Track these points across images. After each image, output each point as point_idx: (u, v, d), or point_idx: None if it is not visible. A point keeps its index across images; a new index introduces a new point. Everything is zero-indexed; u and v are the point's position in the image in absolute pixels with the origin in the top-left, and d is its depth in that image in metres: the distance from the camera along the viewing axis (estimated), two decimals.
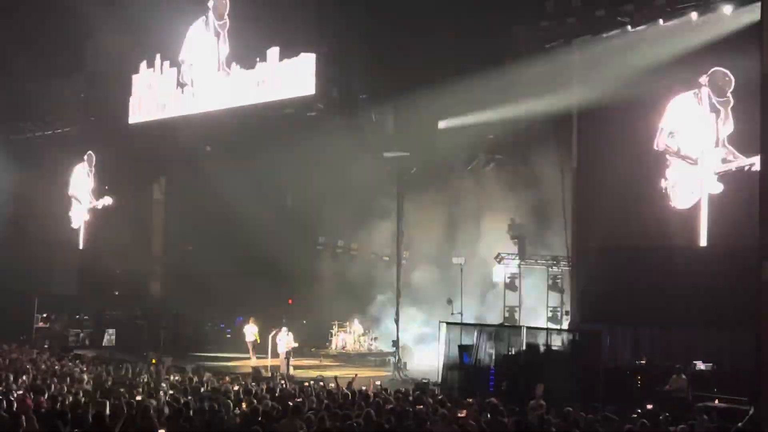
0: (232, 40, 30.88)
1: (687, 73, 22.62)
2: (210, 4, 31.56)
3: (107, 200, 39.66)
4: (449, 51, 25.71)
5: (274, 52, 28.99)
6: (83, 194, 41.07)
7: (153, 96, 33.72)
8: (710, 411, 17.60)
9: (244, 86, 30.27)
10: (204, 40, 31.92)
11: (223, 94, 31.14)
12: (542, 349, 22.18)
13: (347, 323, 32.93)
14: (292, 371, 26.23)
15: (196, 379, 20.87)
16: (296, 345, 28.41)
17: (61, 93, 39.33)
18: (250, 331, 31.20)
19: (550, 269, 27.19)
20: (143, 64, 33.85)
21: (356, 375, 20.93)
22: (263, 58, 29.35)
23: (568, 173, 25.55)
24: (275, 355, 27.64)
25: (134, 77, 34.28)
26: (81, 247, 40.91)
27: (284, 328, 28.04)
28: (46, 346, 32.92)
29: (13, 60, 36.73)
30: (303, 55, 28.05)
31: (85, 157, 41.03)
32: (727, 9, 21.44)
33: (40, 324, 35.97)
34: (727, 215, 21.94)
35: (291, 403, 14.46)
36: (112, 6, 32.89)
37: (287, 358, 27.13)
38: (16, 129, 41.83)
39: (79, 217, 41.29)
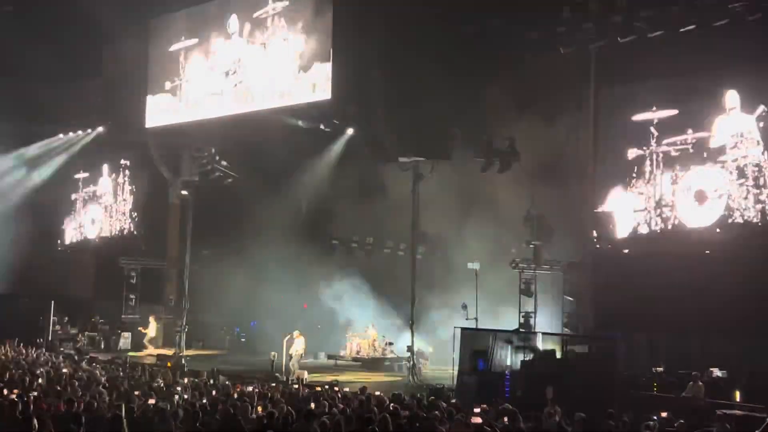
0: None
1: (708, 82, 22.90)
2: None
3: (119, 208, 40.01)
4: (465, 57, 25.73)
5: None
6: (99, 200, 41.33)
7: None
8: (727, 418, 17.50)
9: (259, 91, 30.42)
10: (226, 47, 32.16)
11: (237, 99, 31.22)
12: (558, 355, 22.10)
13: (362, 328, 32.90)
14: (295, 374, 26.27)
15: (211, 382, 20.91)
16: (302, 352, 28.34)
17: (78, 98, 39.54)
18: (152, 328, 35.50)
19: (566, 275, 27.08)
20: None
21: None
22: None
23: (585, 179, 25.50)
24: (288, 358, 27.71)
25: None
26: (97, 249, 41.09)
27: (296, 332, 28.11)
28: (61, 349, 33.05)
29: (31, 65, 36.93)
30: (319, 64, 28.22)
31: (101, 166, 41.29)
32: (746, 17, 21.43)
33: (56, 327, 36.09)
34: (741, 197, 22.20)
35: (305, 408, 14.46)
36: (130, 11, 33.10)
37: (297, 361, 27.43)
38: (33, 133, 42.05)
39: (95, 220, 41.48)
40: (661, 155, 24.49)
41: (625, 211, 25.18)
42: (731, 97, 23.13)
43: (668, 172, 24.37)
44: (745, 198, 22.78)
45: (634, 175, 24.91)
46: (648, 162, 24.72)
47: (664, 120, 24.41)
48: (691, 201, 23.89)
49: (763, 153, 22.57)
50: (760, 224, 22.36)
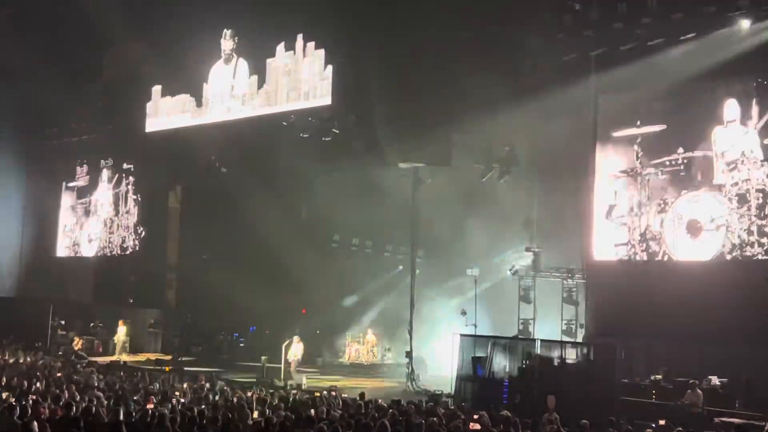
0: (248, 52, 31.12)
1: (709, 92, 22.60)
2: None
3: (118, 212, 40.05)
4: (464, 63, 25.73)
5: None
6: (99, 204, 41.34)
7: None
8: (725, 426, 17.50)
9: (260, 96, 30.37)
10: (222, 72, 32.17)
11: (238, 104, 31.18)
12: (556, 362, 22.08)
13: (361, 334, 32.90)
14: (293, 380, 26.25)
15: (209, 386, 20.92)
16: (298, 357, 28.31)
17: (78, 102, 39.54)
18: (121, 331, 34.98)
19: (565, 282, 27.08)
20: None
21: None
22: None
23: (584, 187, 25.48)
24: (287, 363, 27.74)
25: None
26: (96, 254, 41.10)
27: (295, 337, 28.14)
28: (60, 353, 33.05)
29: (30, 69, 36.95)
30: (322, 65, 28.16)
31: (101, 171, 41.30)
32: (746, 24, 21.43)
33: (57, 331, 36.11)
34: (743, 229, 21.89)
35: (304, 413, 14.45)
36: (132, 14, 33.09)
37: (295, 367, 27.43)
38: (33, 137, 42.09)
39: (95, 224, 41.49)
40: (647, 179, 23.35)
41: (606, 243, 24.30)
42: (731, 108, 21.89)
43: (655, 198, 23.09)
44: (748, 230, 21.20)
45: (615, 201, 23.99)
46: (631, 186, 23.64)
47: (651, 136, 23.46)
48: (683, 233, 22.47)
49: None
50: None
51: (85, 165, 41.88)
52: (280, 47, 29.75)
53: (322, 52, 28.34)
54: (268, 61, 30.16)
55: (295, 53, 29.34)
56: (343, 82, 27.59)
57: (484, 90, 25.33)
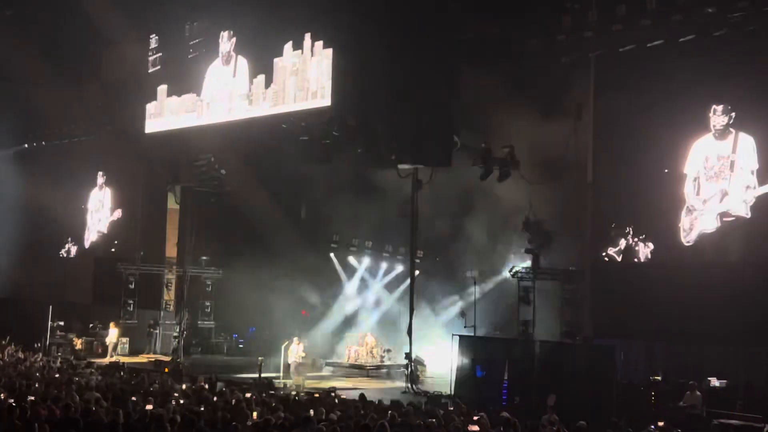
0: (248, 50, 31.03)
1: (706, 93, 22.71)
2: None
3: (118, 213, 40.08)
4: (465, 64, 25.74)
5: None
6: (98, 205, 41.36)
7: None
8: (725, 428, 17.50)
9: (259, 97, 30.29)
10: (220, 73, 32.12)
11: (245, 104, 31.09)
12: (556, 363, 22.08)
13: (360, 335, 32.86)
14: (293, 381, 26.25)
15: (208, 387, 20.89)
16: (302, 357, 28.29)
17: (77, 102, 39.54)
18: (113, 334, 34.65)
19: (565, 283, 27.06)
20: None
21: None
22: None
23: (586, 187, 25.49)
24: (287, 365, 27.73)
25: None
26: (95, 255, 41.10)
27: (295, 338, 28.14)
28: (59, 354, 33.02)
29: (29, 69, 36.95)
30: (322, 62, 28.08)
31: (100, 171, 41.31)
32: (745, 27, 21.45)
33: (56, 332, 36.10)
34: (743, 233, 21.98)
35: (303, 415, 14.44)
36: (130, 15, 33.07)
37: (295, 369, 27.37)
38: (32, 138, 42.08)
39: (94, 225, 41.51)
40: None
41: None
42: (718, 114, 22.63)
43: None
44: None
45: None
46: None
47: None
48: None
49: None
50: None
51: (84, 165, 41.86)
52: (288, 46, 29.53)
53: (330, 51, 28.22)
54: (276, 60, 29.95)
55: (302, 52, 29.16)
56: (344, 83, 27.53)
57: (484, 90, 25.36)
